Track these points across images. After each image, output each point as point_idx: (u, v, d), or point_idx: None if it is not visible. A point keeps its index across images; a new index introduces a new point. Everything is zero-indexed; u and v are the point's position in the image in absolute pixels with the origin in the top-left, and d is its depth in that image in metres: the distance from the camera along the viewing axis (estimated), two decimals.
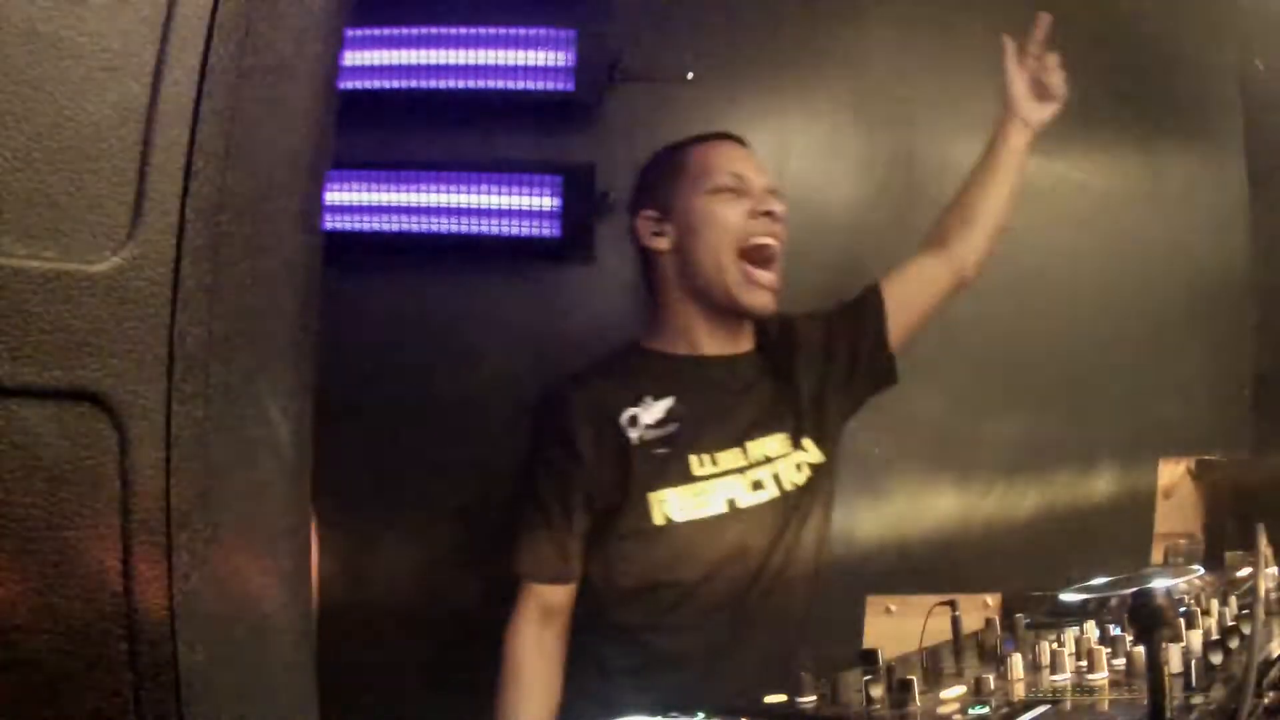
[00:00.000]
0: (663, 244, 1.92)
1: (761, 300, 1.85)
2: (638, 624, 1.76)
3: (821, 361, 1.95)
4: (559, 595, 1.77)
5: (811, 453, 1.93)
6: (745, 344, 1.98)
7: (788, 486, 1.89)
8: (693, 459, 1.85)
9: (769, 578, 1.80)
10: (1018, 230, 2.75)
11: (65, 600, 0.75)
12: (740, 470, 1.90)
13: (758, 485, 1.87)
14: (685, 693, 1.59)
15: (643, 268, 1.97)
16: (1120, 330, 2.85)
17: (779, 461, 1.90)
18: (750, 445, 1.89)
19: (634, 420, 1.87)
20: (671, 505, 1.80)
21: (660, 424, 1.89)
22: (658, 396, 1.88)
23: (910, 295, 1.96)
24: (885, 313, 1.95)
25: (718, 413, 1.91)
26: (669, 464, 1.82)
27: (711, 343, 1.94)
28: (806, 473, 1.92)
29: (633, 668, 1.78)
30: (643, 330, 2.00)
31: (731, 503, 1.84)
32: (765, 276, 1.86)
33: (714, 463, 1.88)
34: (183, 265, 0.80)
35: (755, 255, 1.87)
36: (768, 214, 1.90)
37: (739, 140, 2.04)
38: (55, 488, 0.74)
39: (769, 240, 1.89)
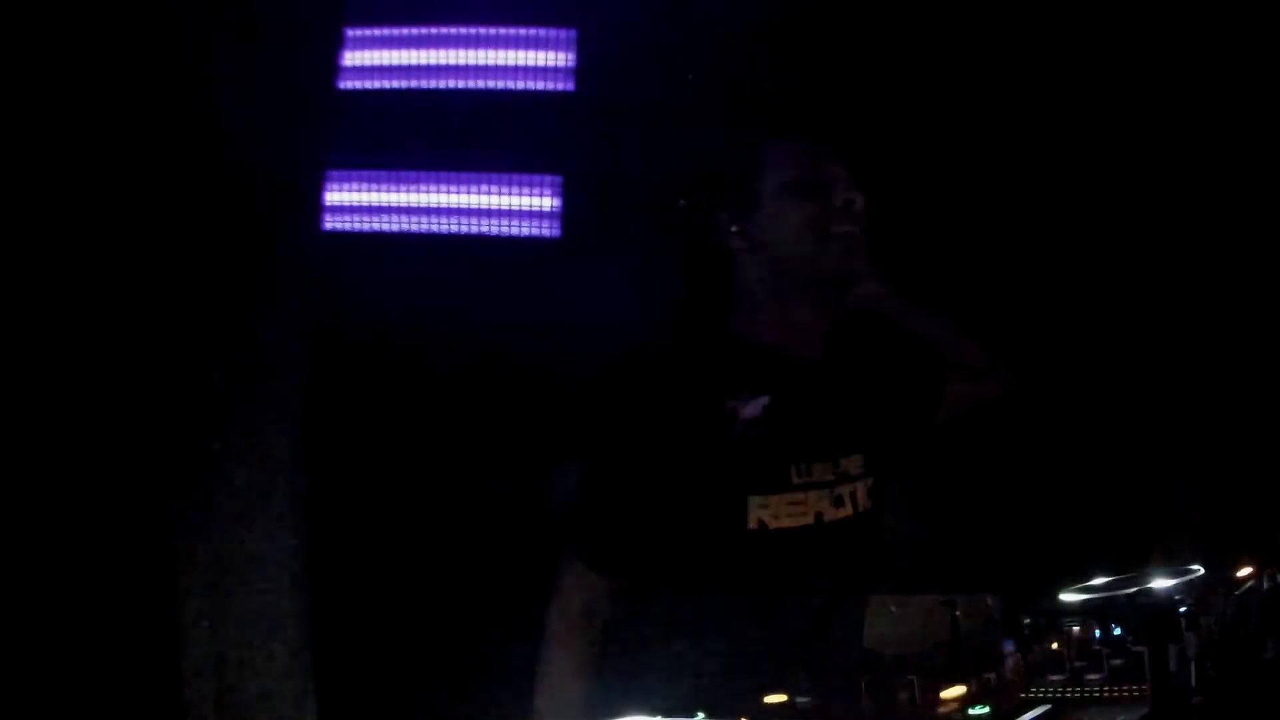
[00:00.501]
0: (739, 244, 1.88)
1: (846, 264, 1.81)
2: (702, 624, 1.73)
3: (886, 399, 1.96)
4: (609, 586, 1.73)
5: (877, 486, 1.92)
6: (818, 347, 1.95)
7: (861, 509, 1.87)
8: (791, 467, 1.83)
9: (831, 598, 1.79)
10: None
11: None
12: (829, 485, 1.87)
13: (840, 501, 1.85)
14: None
15: (722, 268, 1.94)
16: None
17: (858, 482, 1.89)
18: (841, 460, 1.87)
19: (734, 414, 1.82)
20: (768, 512, 1.78)
21: (759, 423, 1.84)
22: (755, 393, 1.84)
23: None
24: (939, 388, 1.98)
25: (811, 419, 1.88)
26: (767, 469, 1.79)
27: (796, 339, 1.89)
28: (874, 501, 1.91)
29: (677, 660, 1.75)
30: (735, 317, 1.94)
31: (819, 516, 1.82)
32: (846, 245, 1.82)
33: (809, 472, 1.85)
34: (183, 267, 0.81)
35: (838, 245, 1.84)
36: (848, 203, 1.85)
37: (812, 135, 1.99)
38: (53, 492, 0.74)
39: (849, 228, 1.85)
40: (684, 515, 1.73)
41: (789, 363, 1.89)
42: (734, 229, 1.90)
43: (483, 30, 2.59)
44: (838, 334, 1.91)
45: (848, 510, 1.84)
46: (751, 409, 1.83)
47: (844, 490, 1.87)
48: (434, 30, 2.60)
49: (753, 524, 1.73)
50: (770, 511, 1.79)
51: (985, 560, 2.63)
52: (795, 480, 1.81)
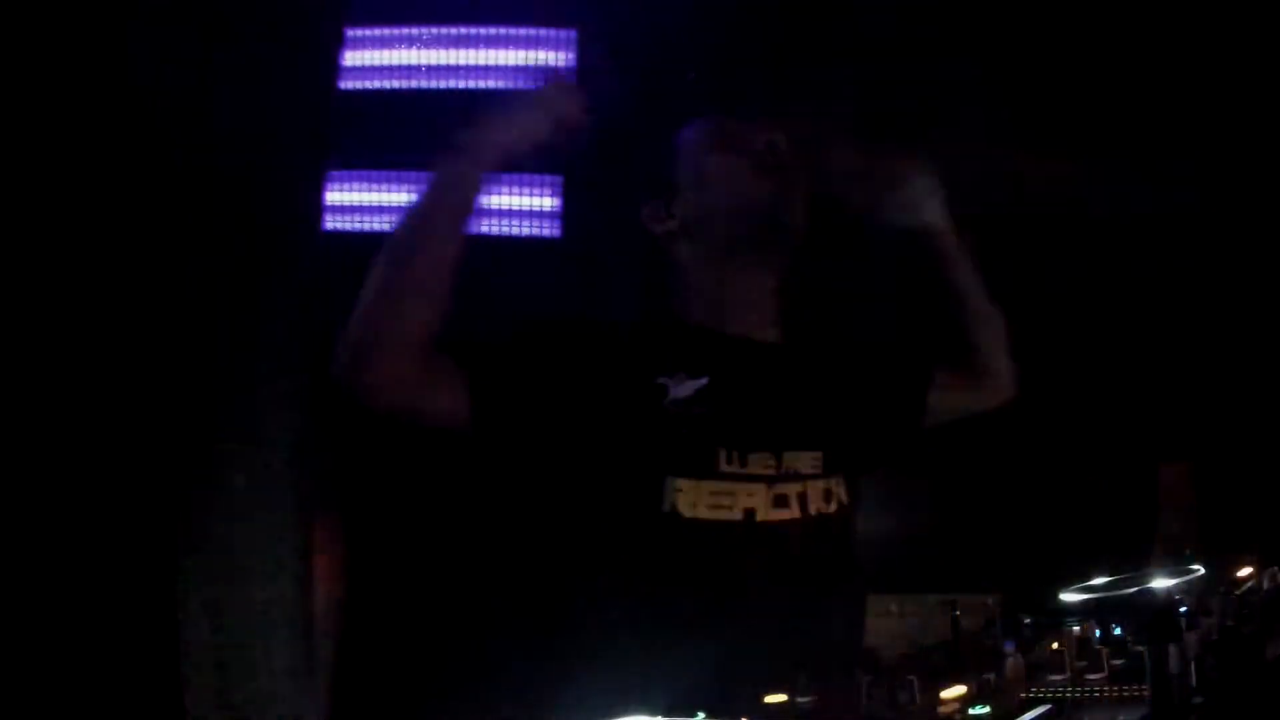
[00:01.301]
0: (671, 225, 1.80)
1: (785, 207, 1.71)
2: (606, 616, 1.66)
3: (854, 395, 1.84)
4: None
5: (839, 490, 1.80)
6: (774, 332, 1.85)
7: (812, 511, 1.76)
8: (721, 453, 1.72)
9: (765, 601, 1.69)
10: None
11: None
12: (767, 480, 1.75)
13: (782, 501, 1.74)
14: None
15: (654, 262, 1.86)
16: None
17: (810, 482, 1.77)
18: (786, 455, 1.75)
19: (663, 390, 1.72)
20: (685, 497, 1.68)
21: (690, 403, 1.73)
22: (691, 374, 1.74)
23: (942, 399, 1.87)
24: (928, 389, 1.85)
25: (753, 408, 1.77)
26: (693, 451, 1.69)
27: (739, 318, 1.79)
28: (835, 506, 1.79)
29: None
30: (671, 300, 1.84)
31: (750, 512, 1.72)
32: (781, 182, 1.72)
33: (742, 463, 1.74)
34: (184, 267, 0.81)
35: (766, 188, 1.73)
36: (771, 144, 1.75)
37: (734, 115, 1.93)
38: (54, 492, 0.74)
39: (777, 166, 1.74)
40: (603, 482, 1.63)
41: (732, 344, 1.79)
42: (660, 215, 1.83)
43: (483, 30, 2.58)
44: (799, 316, 1.82)
45: (792, 513, 1.72)
46: (683, 389, 1.72)
47: (789, 489, 1.75)
48: (434, 30, 2.60)
49: (666, 507, 1.64)
50: (687, 498, 1.67)
51: (985, 560, 2.63)
52: (724, 468, 1.69)
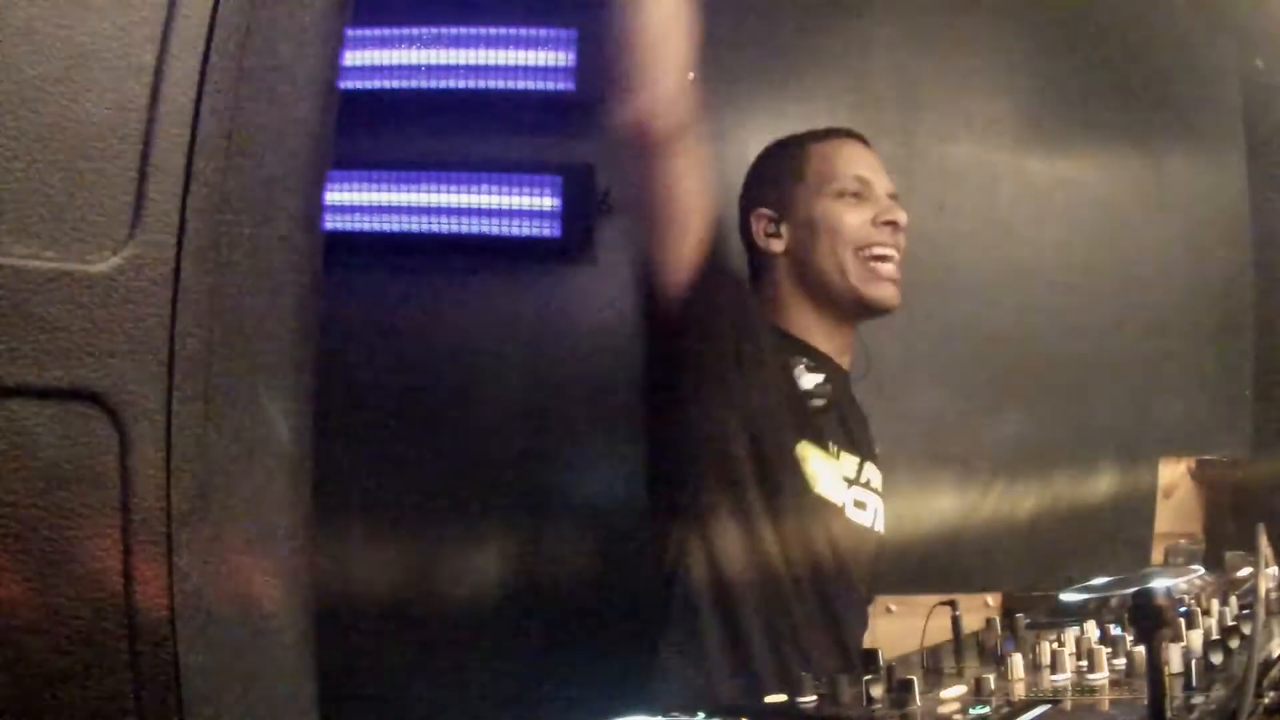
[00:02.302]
0: (778, 246, 1.85)
1: (886, 293, 1.78)
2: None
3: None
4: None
5: (886, 513, 1.89)
6: (847, 360, 1.91)
7: (879, 527, 1.84)
8: (830, 444, 1.77)
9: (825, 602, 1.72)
10: (1018, 228, 2.75)
11: (65, 601, 0.75)
12: (853, 483, 1.82)
13: (860, 505, 1.81)
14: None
15: (754, 268, 1.90)
16: (1119, 329, 2.85)
17: (880, 497, 1.85)
18: (867, 465, 1.83)
19: (794, 373, 1.78)
20: (810, 464, 1.72)
21: (812, 395, 1.80)
22: (809, 369, 1.80)
23: None
24: None
25: (846, 420, 1.85)
26: (819, 428, 1.74)
27: (826, 342, 1.86)
28: (882, 529, 1.88)
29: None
30: (764, 307, 1.89)
31: (842, 508, 1.77)
32: (888, 269, 1.79)
33: (837, 458, 1.80)
34: (183, 267, 0.80)
35: (875, 267, 1.80)
36: (890, 223, 1.82)
37: (861, 139, 1.95)
38: (55, 487, 0.74)
39: (890, 251, 1.81)
40: (746, 441, 1.65)
41: (821, 358, 1.86)
42: (770, 229, 1.87)
43: (483, 30, 2.58)
44: (852, 344, 1.87)
45: (867, 520, 1.81)
46: (807, 380, 1.80)
47: (868, 498, 1.85)
48: (434, 30, 2.60)
49: (801, 470, 1.68)
50: (811, 465, 1.74)
51: (985, 560, 2.63)
52: (831, 450, 1.78)
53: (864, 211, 1.85)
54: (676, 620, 1.66)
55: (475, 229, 2.61)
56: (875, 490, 1.84)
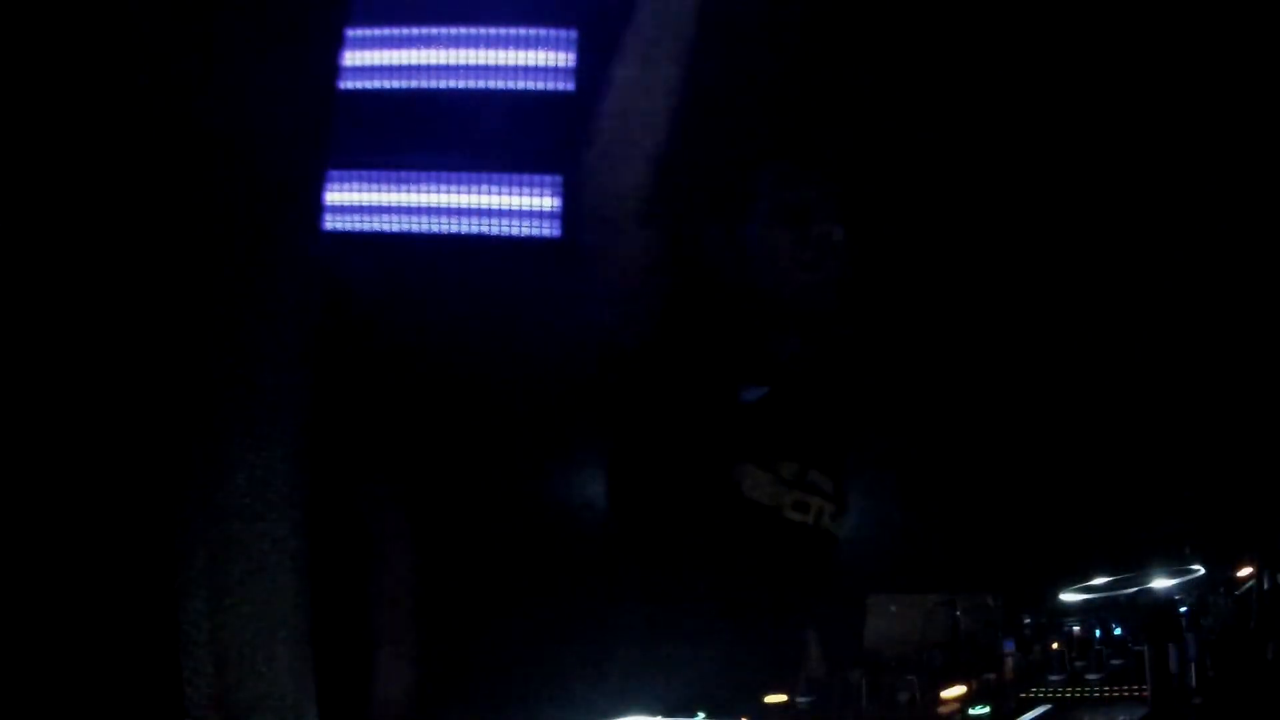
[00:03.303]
0: (727, 259, 1.91)
1: (829, 296, 1.85)
2: None
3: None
4: None
5: (838, 517, 1.96)
6: (795, 364, 1.99)
7: (826, 526, 1.91)
8: (769, 451, 1.85)
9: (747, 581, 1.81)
10: None
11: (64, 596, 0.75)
12: (788, 485, 1.90)
13: (802, 507, 1.88)
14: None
15: (712, 277, 1.95)
16: None
17: (826, 500, 1.92)
18: (811, 472, 1.91)
19: (738, 393, 1.88)
20: (747, 481, 1.81)
21: (755, 406, 1.89)
22: (754, 382, 1.90)
23: None
24: None
25: (793, 423, 1.93)
26: (756, 443, 1.83)
27: (778, 349, 1.94)
28: (836, 528, 1.94)
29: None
30: (723, 318, 1.96)
31: (779, 508, 1.85)
32: (825, 268, 1.85)
33: (778, 464, 1.89)
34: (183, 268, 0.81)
35: (814, 278, 1.87)
36: (824, 237, 1.88)
37: (801, 157, 2.00)
38: (54, 492, 0.74)
39: (825, 264, 1.88)
40: (684, 463, 1.75)
41: (773, 367, 1.95)
42: (722, 245, 1.94)
43: (483, 30, 2.59)
44: (814, 360, 1.95)
45: (808, 518, 1.89)
46: (749, 392, 1.88)
47: (810, 500, 1.91)
48: (434, 30, 2.60)
49: (735, 482, 1.77)
50: (750, 481, 1.84)
51: (985, 560, 2.63)
52: (771, 458, 1.86)
53: (799, 229, 1.93)
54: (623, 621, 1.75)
55: (475, 229, 2.62)
56: (821, 493, 1.90)
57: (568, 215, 2.58)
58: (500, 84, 2.60)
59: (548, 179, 2.59)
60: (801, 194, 1.94)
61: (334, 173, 2.56)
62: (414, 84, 2.61)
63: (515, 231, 2.60)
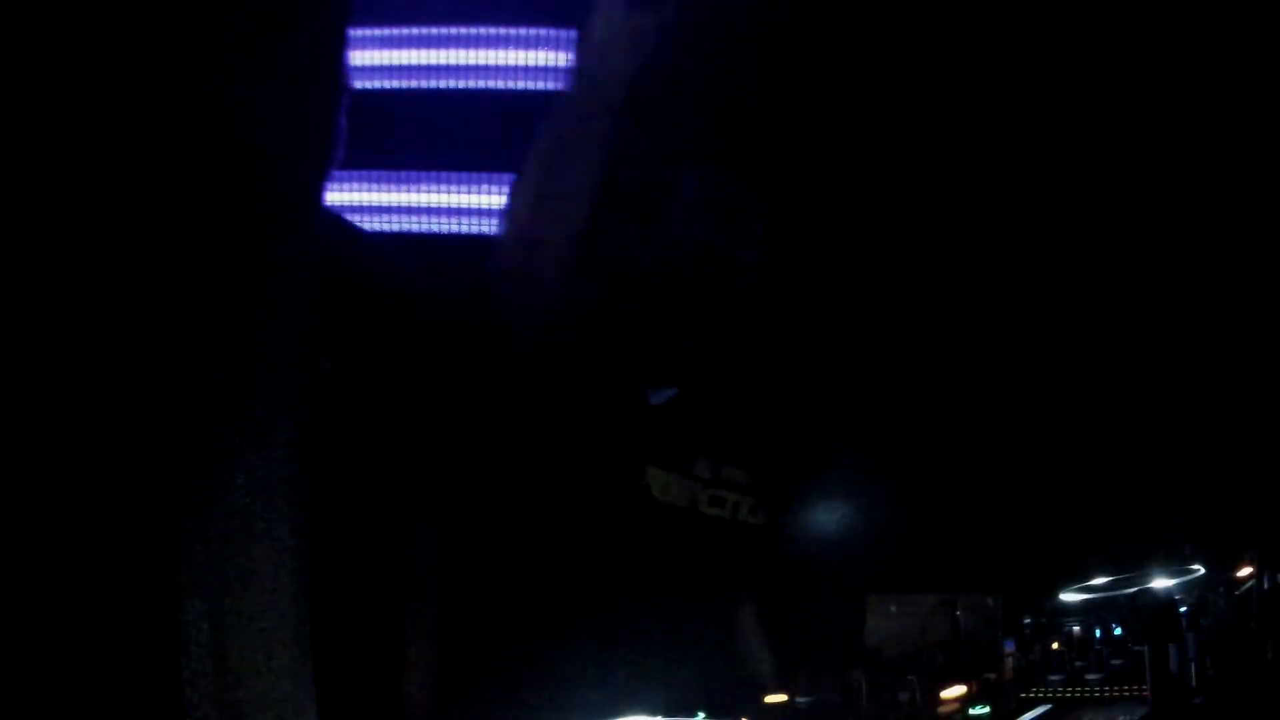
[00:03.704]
0: (650, 256, 1.94)
1: (744, 290, 1.91)
2: None
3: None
4: None
5: (764, 510, 1.98)
6: (711, 359, 2.02)
7: (742, 519, 1.93)
8: (681, 453, 1.89)
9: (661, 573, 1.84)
10: None
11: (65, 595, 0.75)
12: (704, 483, 1.94)
13: (718, 502, 1.91)
14: None
15: (639, 275, 1.97)
16: None
17: (740, 495, 1.95)
18: (725, 468, 1.94)
19: (646, 396, 1.92)
20: (657, 482, 1.85)
21: (665, 408, 1.92)
22: (664, 383, 1.93)
23: None
24: None
25: (706, 424, 1.95)
26: (665, 446, 1.86)
27: (699, 346, 1.98)
28: (763, 522, 1.96)
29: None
30: (650, 317, 1.99)
31: (695, 504, 1.89)
32: (744, 260, 1.91)
33: (691, 464, 1.92)
34: (183, 267, 0.81)
35: (732, 273, 1.93)
36: (746, 231, 1.93)
37: (726, 159, 2.04)
38: (53, 491, 0.74)
39: (744, 256, 1.94)
40: (595, 470, 1.80)
41: (693, 366, 1.98)
42: (644, 243, 1.95)
43: (483, 30, 2.59)
44: (733, 354, 1.98)
45: (724, 513, 1.92)
46: (660, 396, 1.92)
47: (726, 495, 1.95)
48: (434, 30, 2.60)
49: (646, 486, 1.81)
50: (659, 484, 1.88)
51: (985, 560, 2.63)
52: (679, 465, 1.89)
53: (720, 227, 1.97)
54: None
55: (475, 229, 2.62)
56: (737, 487, 1.94)
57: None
58: (500, 84, 2.60)
59: None
60: (723, 192, 1.96)
61: (334, 172, 2.56)
62: (414, 84, 2.61)
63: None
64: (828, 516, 2.39)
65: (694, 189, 1.93)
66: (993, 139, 2.75)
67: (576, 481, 1.85)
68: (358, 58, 2.62)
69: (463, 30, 2.61)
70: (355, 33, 2.58)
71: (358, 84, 2.62)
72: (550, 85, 2.59)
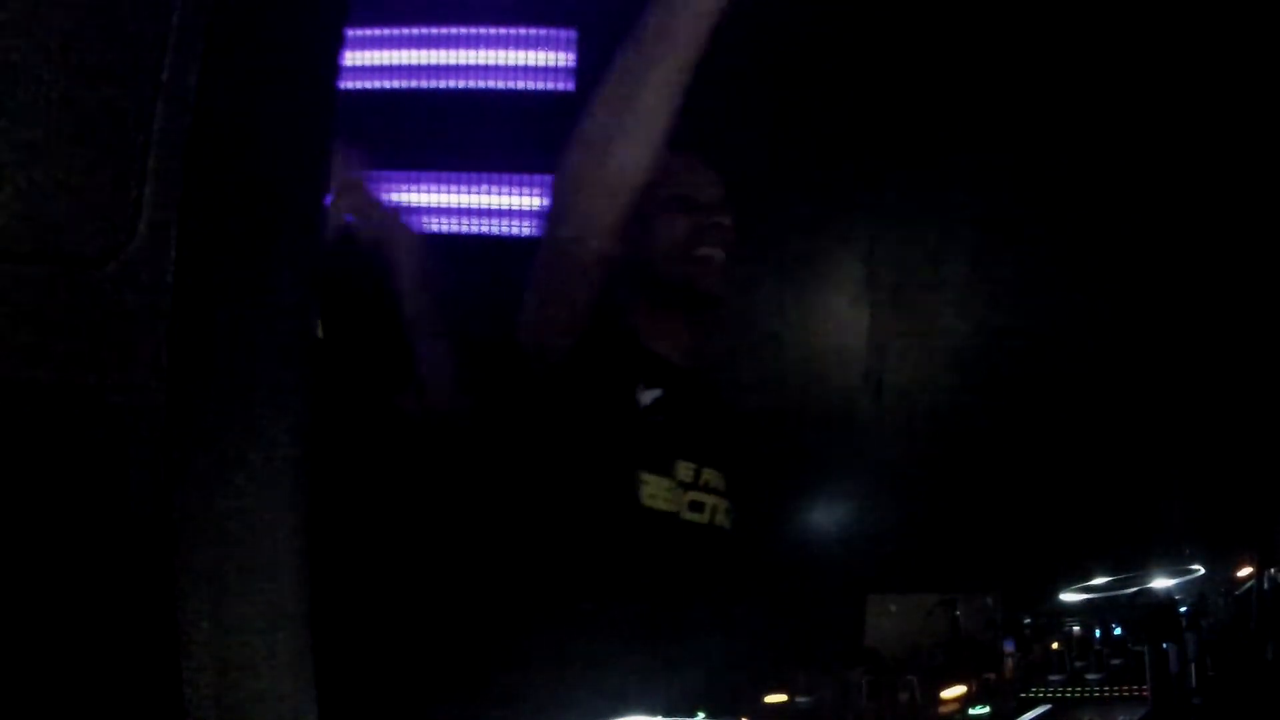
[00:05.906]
0: (621, 250, 1.90)
1: (709, 282, 1.89)
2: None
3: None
4: None
5: (737, 513, 1.96)
6: (683, 356, 2.00)
7: (718, 524, 1.92)
8: (664, 457, 1.87)
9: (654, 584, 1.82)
10: None
11: (65, 605, 0.75)
12: (685, 486, 1.92)
13: (698, 507, 1.90)
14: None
15: (614, 271, 1.96)
16: None
17: (718, 498, 1.93)
18: (706, 470, 1.92)
19: (636, 399, 1.88)
20: (647, 489, 1.83)
21: (649, 412, 1.90)
22: (648, 385, 1.90)
23: None
24: None
25: (686, 424, 1.94)
26: (655, 452, 1.84)
27: (669, 345, 1.97)
28: (735, 527, 1.94)
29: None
30: (621, 317, 1.98)
31: (677, 512, 1.87)
32: (714, 266, 1.89)
33: (672, 469, 1.90)
34: (181, 268, 0.80)
35: (703, 265, 1.91)
36: (716, 226, 1.93)
37: (692, 152, 2.03)
38: (52, 490, 0.74)
39: (716, 252, 1.92)
40: (582, 481, 1.78)
41: (663, 367, 1.98)
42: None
43: (483, 30, 2.59)
44: (702, 351, 1.98)
45: (704, 518, 1.91)
46: (646, 397, 1.90)
47: (705, 499, 1.93)
48: (434, 30, 2.60)
49: (645, 501, 1.80)
50: (649, 489, 1.86)
51: (985, 560, 2.63)
52: (679, 474, 1.87)
53: (691, 218, 1.97)
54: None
55: (475, 229, 2.62)
56: (715, 491, 1.93)
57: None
58: (500, 84, 2.60)
59: (548, 178, 2.59)
60: (694, 184, 1.96)
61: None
62: (414, 84, 2.61)
63: (515, 231, 2.61)
64: (827, 516, 2.39)
65: (667, 179, 1.92)
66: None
67: (577, 482, 1.83)
68: (358, 58, 2.62)
69: (463, 30, 2.61)
70: (355, 33, 2.58)
71: (358, 84, 2.62)
72: (550, 85, 2.60)
